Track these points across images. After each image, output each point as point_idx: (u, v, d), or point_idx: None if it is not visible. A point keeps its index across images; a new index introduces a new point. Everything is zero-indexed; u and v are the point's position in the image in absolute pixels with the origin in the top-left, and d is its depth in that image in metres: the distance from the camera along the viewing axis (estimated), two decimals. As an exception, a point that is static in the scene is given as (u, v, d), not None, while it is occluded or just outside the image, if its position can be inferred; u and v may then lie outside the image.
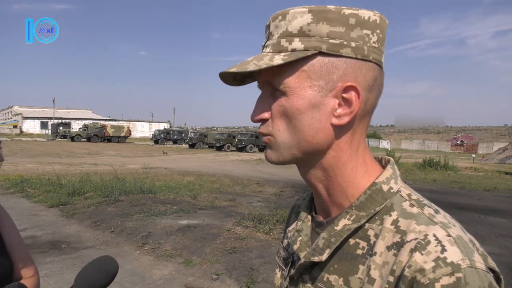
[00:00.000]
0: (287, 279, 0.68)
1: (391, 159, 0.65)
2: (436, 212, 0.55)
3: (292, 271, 0.66)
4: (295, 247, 0.67)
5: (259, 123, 0.62)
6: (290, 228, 0.75)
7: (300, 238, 0.67)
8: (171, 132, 49.28)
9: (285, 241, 0.76)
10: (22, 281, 1.11)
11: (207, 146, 39.14)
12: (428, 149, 60.34)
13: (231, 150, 35.09)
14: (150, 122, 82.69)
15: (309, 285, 0.62)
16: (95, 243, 5.26)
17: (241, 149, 34.46)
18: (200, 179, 12.31)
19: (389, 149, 35.56)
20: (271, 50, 0.58)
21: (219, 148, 35.59)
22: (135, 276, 4.14)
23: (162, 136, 47.63)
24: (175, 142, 48.02)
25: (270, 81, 0.58)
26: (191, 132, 44.48)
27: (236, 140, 35.10)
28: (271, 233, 5.65)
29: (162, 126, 75.51)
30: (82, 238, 5.50)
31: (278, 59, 0.55)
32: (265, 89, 0.61)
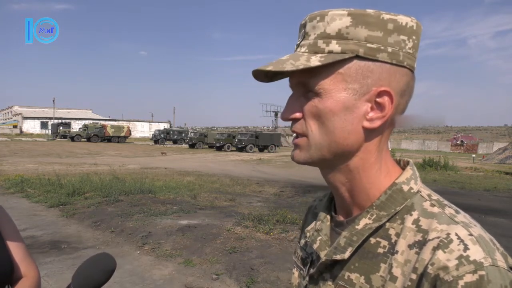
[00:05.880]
0: (307, 278, 0.69)
1: (411, 160, 0.66)
2: (457, 212, 0.56)
3: (312, 270, 0.67)
4: (315, 246, 0.68)
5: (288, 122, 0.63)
6: (308, 228, 0.75)
7: (320, 237, 0.68)
8: (171, 132, 49.28)
9: (303, 241, 0.77)
10: (23, 280, 1.12)
11: (207, 146, 39.15)
12: (428, 149, 60.31)
13: (231, 150, 35.09)
14: (150, 122, 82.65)
15: (329, 283, 0.63)
16: (95, 243, 5.26)
17: (241, 149, 34.46)
18: (200, 179, 12.31)
19: (389, 149, 35.54)
20: (306, 50, 0.58)
21: (219, 148, 35.59)
22: (135, 276, 4.14)
23: (162, 136, 47.62)
24: (175, 142, 48.02)
25: (305, 82, 0.59)
26: (191, 132, 44.45)
27: (236, 140, 35.09)
28: (271, 233, 5.65)
29: (162, 126, 75.47)
30: (82, 238, 5.50)
31: (315, 60, 0.56)
32: (297, 89, 0.61)
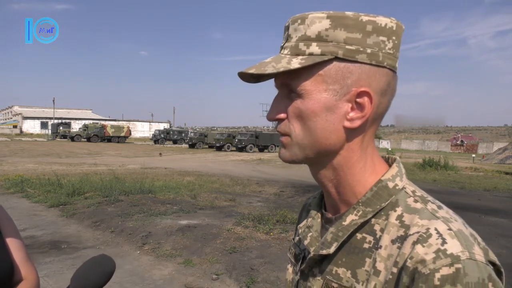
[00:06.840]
0: (298, 273, 0.71)
1: (397, 158, 0.68)
2: (439, 207, 0.57)
3: (303, 265, 0.69)
4: (306, 242, 0.70)
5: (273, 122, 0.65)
6: (301, 225, 0.77)
7: (310, 234, 0.70)
8: (171, 132, 49.28)
9: (296, 238, 0.79)
10: (22, 283, 1.11)
11: (207, 146, 39.15)
12: (428, 149, 60.30)
13: (231, 150, 35.09)
14: (150, 122, 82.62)
15: (318, 278, 0.65)
16: (95, 243, 5.26)
17: (241, 149, 34.46)
18: (200, 179, 12.31)
19: (389, 149, 35.59)
20: (289, 53, 0.60)
21: (219, 148, 35.59)
22: (135, 276, 4.14)
23: (162, 136, 47.62)
24: (175, 142, 48.01)
25: (287, 83, 0.61)
26: (191, 132, 44.43)
27: (236, 140, 35.09)
28: (271, 233, 5.65)
29: (162, 126, 75.45)
30: (82, 238, 5.50)
31: (296, 63, 0.57)
32: (282, 90, 0.63)
